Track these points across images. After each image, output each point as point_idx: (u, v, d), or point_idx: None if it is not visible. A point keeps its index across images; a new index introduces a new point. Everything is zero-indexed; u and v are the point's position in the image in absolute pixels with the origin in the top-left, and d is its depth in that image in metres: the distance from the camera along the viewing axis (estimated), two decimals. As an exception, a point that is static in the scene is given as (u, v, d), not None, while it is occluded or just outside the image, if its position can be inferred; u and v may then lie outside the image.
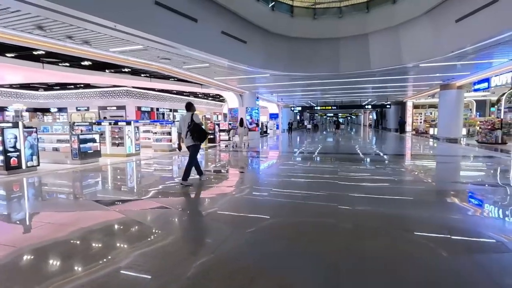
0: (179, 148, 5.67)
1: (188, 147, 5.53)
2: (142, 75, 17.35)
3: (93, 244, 3.01)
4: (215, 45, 9.29)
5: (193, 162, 5.59)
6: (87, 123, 11.87)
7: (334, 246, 2.91)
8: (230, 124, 18.92)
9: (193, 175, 5.76)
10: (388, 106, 25.84)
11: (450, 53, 8.95)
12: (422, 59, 10.21)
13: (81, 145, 8.18)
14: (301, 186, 5.93)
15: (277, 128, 31.62)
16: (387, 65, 11.31)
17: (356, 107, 31.59)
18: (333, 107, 28.31)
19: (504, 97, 15.97)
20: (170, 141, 11.77)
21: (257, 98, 21.26)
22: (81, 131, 9.31)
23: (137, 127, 10.72)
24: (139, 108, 24.24)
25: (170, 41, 7.65)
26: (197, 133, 5.39)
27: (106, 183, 6.64)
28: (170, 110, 27.90)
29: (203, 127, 5.66)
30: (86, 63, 13.25)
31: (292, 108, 29.73)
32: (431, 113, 28.95)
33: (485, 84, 13.50)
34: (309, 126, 27.92)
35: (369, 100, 28.21)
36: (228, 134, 16.34)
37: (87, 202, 4.66)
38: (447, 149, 13.25)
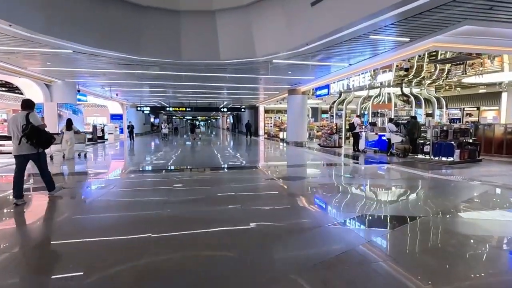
0: None
1: (22, 156, 4.45)
2: None
3: None
4: None
5: (47, 171, 4.80)
6: None
7: None
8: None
9: None
10: (242, 109, 25.42)
11: (305, 46, 7.63)
12: (275, 52, 8.65)
13: None
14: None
15: (121, 132, 25.59)
16: (238, 57, 9.24)
17: (212, 110, 30.07)
18: (187, 109, 25.37)
19: (334, 105, 17.86)
20: None
21: (79, 91, 15.34)
22: None
23: None
24: None
25: None
26: (37, 139, 4.37)
27: None
28: None
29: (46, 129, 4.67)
30: None
31: (139, 108, 24.67)
32: (279, 118, 31.16)
33: (325, 91, 14.06)
34: (165, 131, 22.87)
35: (225, 103, 27.14)
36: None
37: None
38: (300, 154, 12.80)
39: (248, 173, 7.88)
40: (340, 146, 14.60)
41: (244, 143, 19.54)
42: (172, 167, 8.81)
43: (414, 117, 11.18)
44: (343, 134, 16.74)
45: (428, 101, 15.67)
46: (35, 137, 4.37)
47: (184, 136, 30.03)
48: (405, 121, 11.62)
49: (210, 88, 17.06)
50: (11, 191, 4.53)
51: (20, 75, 11.88)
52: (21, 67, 10.67)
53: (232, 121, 43.53)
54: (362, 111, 16.44)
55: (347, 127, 17.91)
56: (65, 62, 9.87)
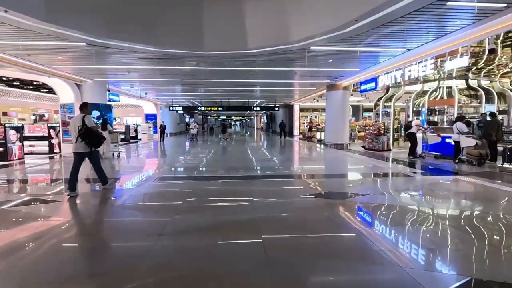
0: None
1: (78, 154, 5.07)
2: None
3: None
4: None
5: (99, 167, 5.39)
6: None
7: None
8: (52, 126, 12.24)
9: None
10: (276, 108, 23.92)
11: (354, 24, 5.97)
12: (313, 36, 7.09)
13: None
14: None
15: (155, 132, 25.63)
16: (269, 45, 7.83)
17: (245, 109, 29.03)
18: (219, 108, 24.56)
19: (381, 102, 15.62)
20: None
21: (109, 90, 15.11)
22: None
23: None
24: None
25: None
26: (89, 139, 4.96)
27: None
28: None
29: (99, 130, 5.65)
30: None
31: (171, 108, 24.44)
32: (315, 117, 29.14)
33: (372, 84, 12.06)
34: (193, 131, 21.82)
35: (258, 102, 25.87)
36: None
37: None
38: (343, 160, 11.00)
39: (278, 184, 6.44)
40: (389, 149, 12.49)
41: (277, 144, 18.06)
42: (186, 174, 7.70)
43: (493, 114, 8.82)
44: (391, 135, 14.54)
45: (502, 95, 12.83)
46: (88, 137, 4.94)
47: (217, 136, 29.41)
48: (478, 120, 9.30)
49: (241, 85, 15.88)
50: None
51: (50, 75, 11.74)
52: (46, 65, 10.35)
53: (266, 121, 42.27)
54: (416, 108, 14.05)
55: (397, 126, 15.67)
56: (85, 59, 9.28)
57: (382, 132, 12.73)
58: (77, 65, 10.60)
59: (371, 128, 13.37)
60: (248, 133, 38.89)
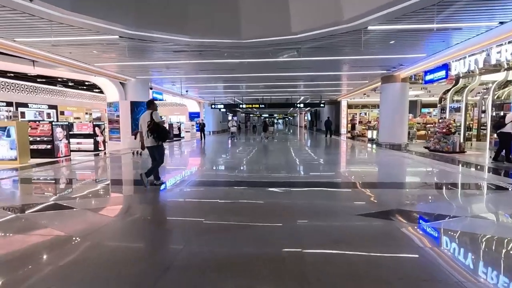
0: (142, 147, 5.53)
1: (149, 148, 5.43)
2: None
3: None
4: None
5: (159, 163, 5.52)
6: None
7: None
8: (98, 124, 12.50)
9: None
10: (321, 105, 22.27)
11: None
12: (372, 11, 5.71)
13: None
14: None
15: (197, 130, 25.80)
16: (316, 27, 6.62)
17: (288, 106, 27.79)
18: (261, 106, 23.73)
19: (449, 95, 13.23)
20: None
21: (151, 88, 15.17)
22: None
23: None
24: None
25: None
26: (157, 133, 5.23)
27: None
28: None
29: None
30: None
31: (213, 106, 24.29)
32: (365, 114, 26.71)
33: (442, 73, 10.01)
34: (233, 129, 21.43)
35: (302, 98, 24.43)
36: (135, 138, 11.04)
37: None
38: (404, 164, 9.29)
39: (327, 197, 5.24)
40: (462, 151, 10.32)
41: (322, 144, 16.56)
42: (214, 178, 6.88)
43: None
44: (462, 133, 12.19)
45: None
46: (156, 132, 5.21)
47: (259, 134, 28.69)
48: None
49: (284, 79, 14.78)
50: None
51: (96, 74, 11.99)
52: (89, 63, 10.44)
53: (310, 119, 40.46)
54: (500, 101, 11.50)
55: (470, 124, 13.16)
56: (121, 54, 9.04)
57: (452, 130, 10.60)
58: (115, 62, 10.48)
59: (437, 125, 11.25)
60: (291, 131, 37.54)
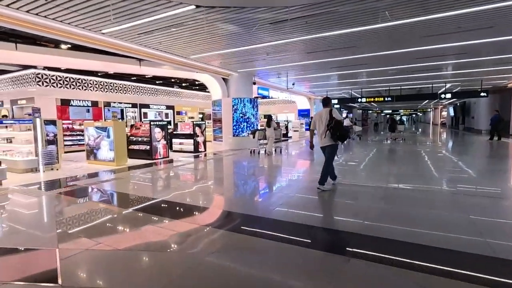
0: (311, 146, 5.25)
1: (323, 148, 5.06)
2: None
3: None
4: None
5: (330, 164, 5.13)
6: None
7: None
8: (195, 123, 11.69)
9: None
10: (483, 94, 15.58)
11: None
12: None
13: None
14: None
15: (307, 129, 23.19)
16: None
17: (424, 98, 21.49)
18: (387, 99, 18.89)
19: None
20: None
21: (254, 83, 13.60)
22: None
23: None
24: (65, 101, 13.12)
25: None
26: (340, 132, 4.84)
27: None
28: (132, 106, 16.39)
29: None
30: None
31: (325, 101, 21.05)
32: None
33: None
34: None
35: (448, 86, 18.02)
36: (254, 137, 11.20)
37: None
38: None
39: None
40: None
41: (495, 154, 10.89)
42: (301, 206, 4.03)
43: None
44: None
45: None
46: (338, 130, 4.83)
47: (380, 134, 23.55)
48: None
49: (426, 57, 10.27)
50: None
51: (197, 69, 11.22)
52: (184, 56, 9.46)
53: (452, 114, 31.24)
54: None
55: None
56: (203, 38, 7.42)
57: None
58: (206, 53, 9.05)
59: None
60: (423, 130, 29.92)
